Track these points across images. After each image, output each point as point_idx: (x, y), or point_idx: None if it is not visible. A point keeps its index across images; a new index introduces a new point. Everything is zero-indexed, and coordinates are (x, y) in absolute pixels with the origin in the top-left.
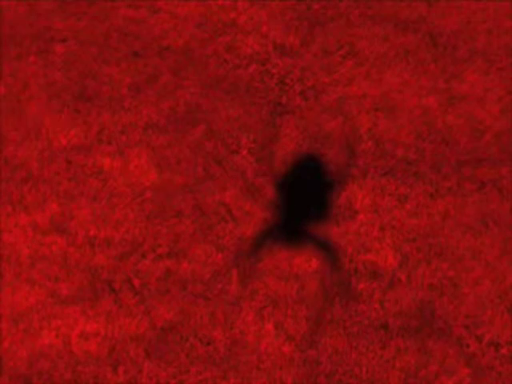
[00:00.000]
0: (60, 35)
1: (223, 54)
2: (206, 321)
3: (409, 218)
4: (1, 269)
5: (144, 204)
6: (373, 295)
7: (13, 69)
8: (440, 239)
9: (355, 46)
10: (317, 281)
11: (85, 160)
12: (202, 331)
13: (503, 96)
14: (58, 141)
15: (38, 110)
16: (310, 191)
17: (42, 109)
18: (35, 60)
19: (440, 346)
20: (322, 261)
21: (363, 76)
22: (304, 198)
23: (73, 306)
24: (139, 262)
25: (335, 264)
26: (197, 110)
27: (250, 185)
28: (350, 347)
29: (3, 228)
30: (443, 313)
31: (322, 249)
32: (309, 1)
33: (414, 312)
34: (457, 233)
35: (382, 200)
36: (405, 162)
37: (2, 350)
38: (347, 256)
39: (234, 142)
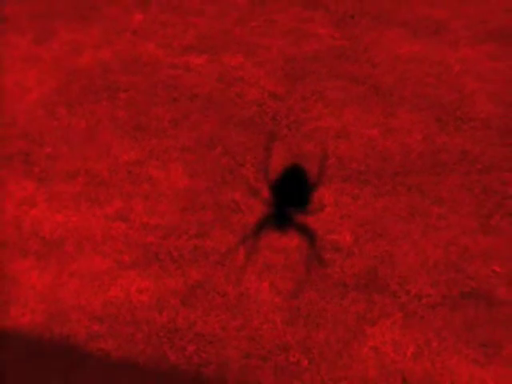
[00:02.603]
0: (123, 86)
1: (234, 99)
2: (222, 280)
3: (360, 210)
4: (83, 245)
5: (180, 201)
6: (335, 263)
7: (91, 110)
8: (381, 225)
9: (323, 94)
10: (298, 253)
11: (140, 171)
12: (219, 287)
13: (423, 129)
14: (121, 158)
15: (107, 137)
16: (293, 192)
17: (110, 136)
18: (106, 104)
19: (381, 297)
20: (302, 239)
21: (329, 114)
22: (289, 197)
23: (132, 270)
24: (177, 240)
25: (310, 241)
26: (216, 137)
27: (252, 188)
28: (320, 298)
29: (84, 218)
30: (383, 274)
31: (301, 231)
32: (291, 67)
33: (364, 274)
34: (392, 220)
35: (342, 198)
36: (357, 172)
37: (85, 300)
38: (318, 236)
39: (241, 158)
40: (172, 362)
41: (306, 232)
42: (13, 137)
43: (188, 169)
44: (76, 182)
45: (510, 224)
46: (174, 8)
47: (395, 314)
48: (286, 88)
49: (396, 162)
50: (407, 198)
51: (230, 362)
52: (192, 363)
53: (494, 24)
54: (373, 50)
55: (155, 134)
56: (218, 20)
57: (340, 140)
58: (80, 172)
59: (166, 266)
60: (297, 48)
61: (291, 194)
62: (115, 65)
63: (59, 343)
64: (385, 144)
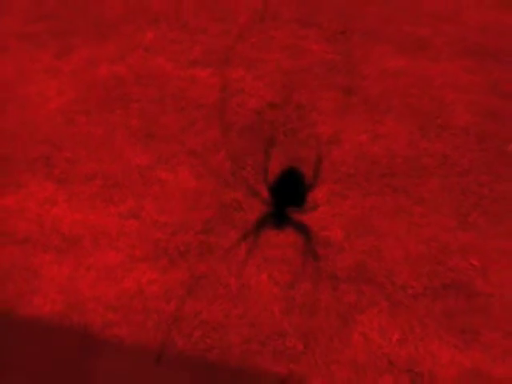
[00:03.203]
0: (136, 97)
1: (236, 108)
2: (225, 273)
3: (350, 209)
4: (99, 241)
5: (187, 201)
6: (328, 257)
7: (106, 118)
8: (369, 222)
9: (317, 103)
10: (293, 248)
11: (150, 173)
12: (222, 279)
13: (408, 135)
14: (134, 162)
15: (121, 143)
16: (290, 193)
17: (124, 143)
18: (120, 113)
19: (369, 288)
20: (297, 236)
21: (322, 122)
22: (286, 197)
23: (143, 264)
24: (184, 236)
25: (305, 238)
26: (219, 143)
27: (252, 188)
28: (314, 289)
29: (100, 216)
30: (371, 267)
31: (297, 228)
32: (288, 79)
33: (354, 267)
34: (380, 218)
35: (334, 198)
36: (347, 174)
37: (100, 291)
38: (312, 233)
39: (243, 162)
40: (179, 347)
41: (302, 229)
42: (35, 142)
43: (194, 171)
44: (93, 183)
45: (486, 221)
46: (182, 26)
47: (382, 304)
48: (283, 98)
49: (383, 166)
50: (393, 198)
51: (232, 346)
52: (198, 348)
53: (470, 41)
54: (362, 64)
55: (164, 140)
56: (221, 37)
57: (332, 145)
58: (96, 174)
59: (174, 259)
60: (293, 62)
61: (288, 195)
62: (129, 78)
63: (77, 330)
64: (373, 149)
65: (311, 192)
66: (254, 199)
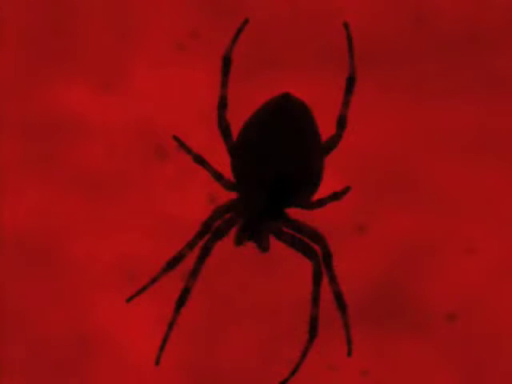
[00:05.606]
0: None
1: None
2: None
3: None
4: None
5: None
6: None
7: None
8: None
9: None
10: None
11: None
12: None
13: (360, 150)
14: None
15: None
16: (285, 193)
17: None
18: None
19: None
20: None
21: None
22: (281, 196)
23: (178, 242)
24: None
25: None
26: (228, 163)
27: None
28: (302, 256)
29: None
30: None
31: (289, 220)
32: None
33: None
34: (339, 209)
35: (313, 198)
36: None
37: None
38: (300, 222)
39: None
40: (196, 294)
41: (293, 219)
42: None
43: (211, 180)
44: None
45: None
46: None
47: None
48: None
49: (347, 175)
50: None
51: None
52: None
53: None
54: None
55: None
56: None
57: None
58: None
59: (195, 241)
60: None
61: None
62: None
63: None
64: (340, 162)
65: None
66: None
